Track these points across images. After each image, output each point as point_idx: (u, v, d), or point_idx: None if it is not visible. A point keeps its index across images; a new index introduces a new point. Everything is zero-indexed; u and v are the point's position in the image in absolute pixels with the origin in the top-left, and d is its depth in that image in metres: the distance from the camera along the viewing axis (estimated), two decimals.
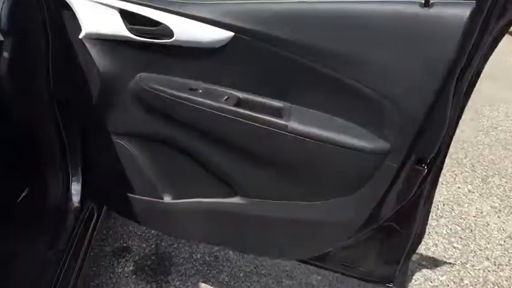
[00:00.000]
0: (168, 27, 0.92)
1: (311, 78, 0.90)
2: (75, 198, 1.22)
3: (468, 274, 1.70)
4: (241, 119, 0.93)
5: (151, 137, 1.09)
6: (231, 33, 0.89)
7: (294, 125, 0.91)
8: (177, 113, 1.00)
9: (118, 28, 0.95)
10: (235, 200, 1.07)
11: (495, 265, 1.75)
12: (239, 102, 0.97)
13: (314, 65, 0.87)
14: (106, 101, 1.07)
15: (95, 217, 1.30)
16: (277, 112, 0.94)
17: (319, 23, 0.85)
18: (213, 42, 0.92)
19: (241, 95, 0.98)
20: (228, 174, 1.05)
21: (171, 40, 0.93)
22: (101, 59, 1.01)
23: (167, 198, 1.14)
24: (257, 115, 0.92)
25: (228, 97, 0.96)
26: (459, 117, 0.90)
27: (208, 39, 0.92)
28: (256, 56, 0.91)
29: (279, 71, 0.93)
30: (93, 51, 1.01)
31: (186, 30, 0.92)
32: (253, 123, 0.92)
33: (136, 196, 1.17)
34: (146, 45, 0.96)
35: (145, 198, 1.16)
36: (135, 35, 0.95)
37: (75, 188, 1.22)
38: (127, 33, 0.95)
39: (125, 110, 1.06)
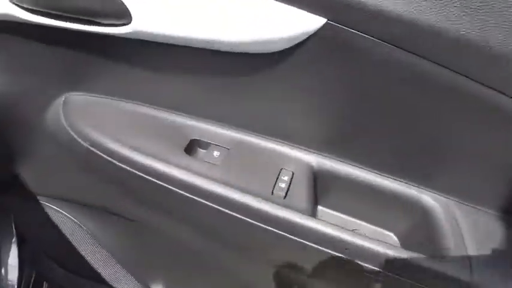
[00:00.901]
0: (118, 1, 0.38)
1: None
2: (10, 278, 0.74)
3: None
4: (335, 254, 0.41)
5: (111, 212, 0.59)
6: (322, 20, 0.36)
7: None
8: (165, 205, 0.48)
9: None
10: None
11: None
12: (314, 192, 0.44)
13: None
14: (6, 143, 0.54)
15: None
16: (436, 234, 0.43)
17: None
18: (268, 42, 0.37)
19: (315, 162, 0.46)
20: None
21: (124, 31, 0.39)
22: None
23: None
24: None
25: (291, 177, 0.44)
26: None
27: (254, 37, 0.37)
28: (377, 71, 0.38)
29: (429, 111, 0.40)
30: None
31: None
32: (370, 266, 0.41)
33: None
34: (67, 34, 0.42)
35: None
36: (35, 14, 0.42)
37: (12, 265, 0.74)
38: (17, 12, 0.41)
39: (47, 162, 0.55)
